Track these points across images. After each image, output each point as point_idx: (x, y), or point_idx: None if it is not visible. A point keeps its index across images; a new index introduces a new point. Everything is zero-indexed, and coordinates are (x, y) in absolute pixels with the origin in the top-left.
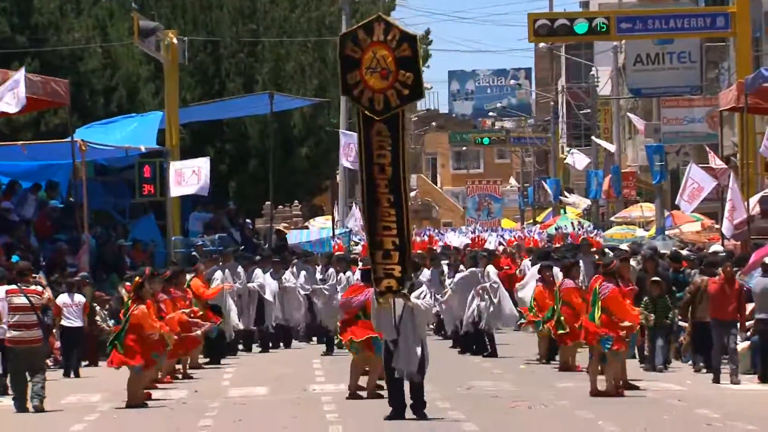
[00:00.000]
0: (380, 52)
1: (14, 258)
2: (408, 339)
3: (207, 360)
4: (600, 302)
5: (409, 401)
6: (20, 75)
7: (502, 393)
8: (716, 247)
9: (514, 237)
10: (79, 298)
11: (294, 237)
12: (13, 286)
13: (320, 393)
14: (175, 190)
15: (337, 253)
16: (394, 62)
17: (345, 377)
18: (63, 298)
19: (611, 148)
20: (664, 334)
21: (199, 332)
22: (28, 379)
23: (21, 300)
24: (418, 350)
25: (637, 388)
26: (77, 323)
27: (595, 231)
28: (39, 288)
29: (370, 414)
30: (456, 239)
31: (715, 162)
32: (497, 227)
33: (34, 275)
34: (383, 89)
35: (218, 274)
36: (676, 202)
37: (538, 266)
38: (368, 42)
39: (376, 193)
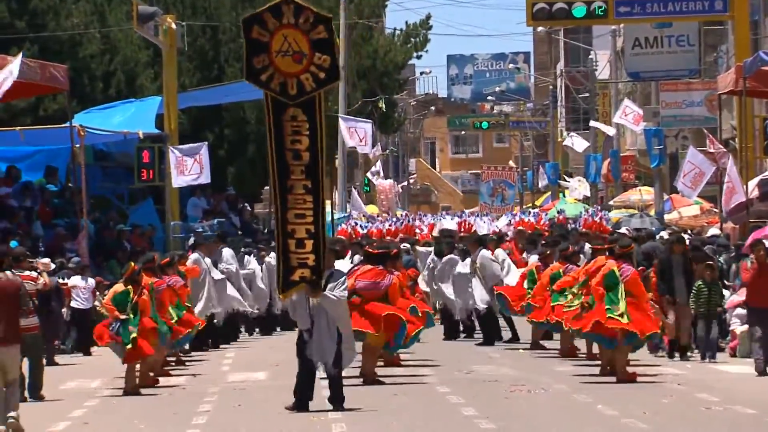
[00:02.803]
0: (292, 35)
1: (13, 243)
2: (321, 329)
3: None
4: (623, 285)
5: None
6: (17, 62)
7: (502, 377)
8: (713, 230)
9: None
10: (91, 281)
11: None
12: (8, 272)
13: (319, 377)
14: (179, 180)
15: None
16: (308, 45)
17: None
18: (75, 281)
19: (610, 131)
20: (717, 323)
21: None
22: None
23: None
24: (333, 342)
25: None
26: (87, 305)
27: (602, 214)
28: (33, 274)
29: (369, 399)
30: (451, 224)
31: (714, 146)
32: (493, 212)
33: (30, 260)
34: (297, 73)
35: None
36: (675, 184)
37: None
38: (277, 25)
39: (289, 180)
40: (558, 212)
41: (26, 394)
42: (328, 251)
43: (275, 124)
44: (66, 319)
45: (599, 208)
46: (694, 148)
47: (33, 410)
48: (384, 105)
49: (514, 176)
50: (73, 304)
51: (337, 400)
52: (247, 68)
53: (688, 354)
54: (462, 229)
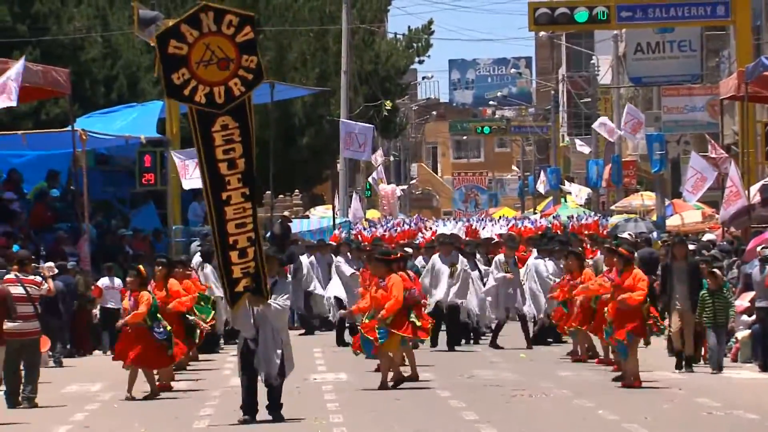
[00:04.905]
0: (215, 43)
1: (15, 247)
2: (267, 339)
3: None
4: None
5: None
6: (20, 65)
7: (503, 382)
8: (709, 235)
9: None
10: (118, 282)
11: (294, 226)
12: (11, 276)
13: (321, 382)
14: (187, 184)
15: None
16: (235, 49)
17: (345, 367)
18: (104, 282)
19: (611, 137)
20: (720, 333)
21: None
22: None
23: (18, 290)
24: (278, 351)
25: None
26: (116, 305)
27: (602, 219)
28: (38, 278)
29: (371, 403)
30: (446, 230)
31: (716, 151)
32: (485, 217)
33: (35, 265)
34: (224, 80)
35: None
36: (682, 193)
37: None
38: (196, 35)
39: (225, 192)
40: (554, 217)
41: (21, 398)
42: (270, 259)
43: (204, 138)
44: (95, 321)
45: (593, 214)
46: (696, 153)
47: (33, 414)
48: (391, 106)
49: (485, 181)
50: (103, 304)
51: (274, 408)
52: (166, 85)
53: (693, 366)
54: (467, 234)
